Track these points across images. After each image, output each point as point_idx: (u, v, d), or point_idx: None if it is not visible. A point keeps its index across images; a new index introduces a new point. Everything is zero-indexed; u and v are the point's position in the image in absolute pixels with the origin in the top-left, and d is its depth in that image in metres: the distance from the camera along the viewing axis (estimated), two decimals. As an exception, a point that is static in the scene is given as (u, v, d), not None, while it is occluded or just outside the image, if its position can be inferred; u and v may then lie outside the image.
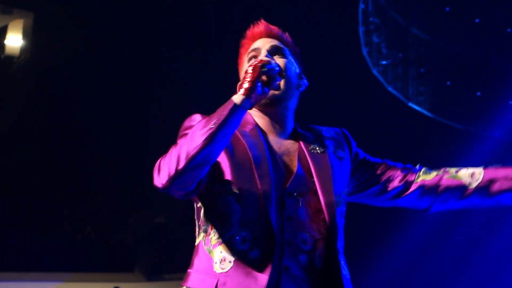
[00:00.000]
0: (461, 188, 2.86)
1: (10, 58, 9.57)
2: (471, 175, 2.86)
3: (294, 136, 2.93)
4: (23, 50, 9.47)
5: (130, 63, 8.57)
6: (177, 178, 2.56)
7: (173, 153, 2.59)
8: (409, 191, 2.92)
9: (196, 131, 2.59)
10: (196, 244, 2.76)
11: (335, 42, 7.17)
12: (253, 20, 3.11)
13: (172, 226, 9.50)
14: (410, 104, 8.57)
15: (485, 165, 2.91)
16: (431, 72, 8.84)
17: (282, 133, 2.91)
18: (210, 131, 2.56)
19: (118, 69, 8.59)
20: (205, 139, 2.55)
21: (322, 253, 2.71)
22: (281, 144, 2.88)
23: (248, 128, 2.86)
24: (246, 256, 2.63)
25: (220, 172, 2.74)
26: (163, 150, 2.66)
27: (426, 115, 8.59)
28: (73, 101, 8.81)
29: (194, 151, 2.55)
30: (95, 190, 9.52)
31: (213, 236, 2.70)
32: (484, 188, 2.83)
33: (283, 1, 8.28)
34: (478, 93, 8.54)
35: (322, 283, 2.69)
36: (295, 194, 2.75)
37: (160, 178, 2.60)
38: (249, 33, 3.06)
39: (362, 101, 8.52)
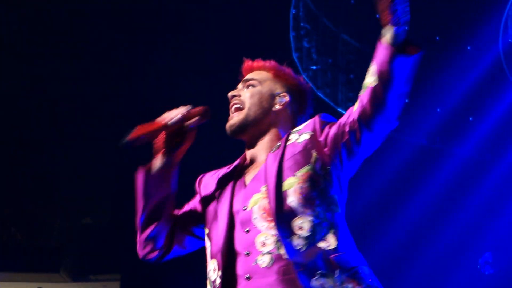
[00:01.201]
0: (374, 90, 2.89)
1: None
2: (371, 75, 2.91)
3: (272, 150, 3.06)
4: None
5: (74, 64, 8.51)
6: (139, 245, 3.07)
7: None
8: (359, 130, 2.90)
9: None
10: None
11: (265, 47, 7.21)
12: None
13: (99, 227, 9.45)
14: (339, 110, 8.65)
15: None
16: (360, 79, 8.90)
17: (266, 154, 3.06)
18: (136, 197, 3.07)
19: (59, 68, 8.51)
20: (138, 205, 3.05)
21: (292, 246, 2.77)
22: (254, 166, 3.07)
23: (228, 169, 3.16)
24: (216, 282, 2.87)
25: (202, 223, 3.10)
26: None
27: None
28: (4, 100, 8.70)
29: (137, 219, 3.04)
30: (21, 190, 9.40)
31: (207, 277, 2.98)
32: (382, 73, 2.87)
33: (215, 5, 8.29)
34: (406, 100, 8.65)
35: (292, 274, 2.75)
36: (248, 207, 2.89)
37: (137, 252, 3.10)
38: (241, 73, 3.29)
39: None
